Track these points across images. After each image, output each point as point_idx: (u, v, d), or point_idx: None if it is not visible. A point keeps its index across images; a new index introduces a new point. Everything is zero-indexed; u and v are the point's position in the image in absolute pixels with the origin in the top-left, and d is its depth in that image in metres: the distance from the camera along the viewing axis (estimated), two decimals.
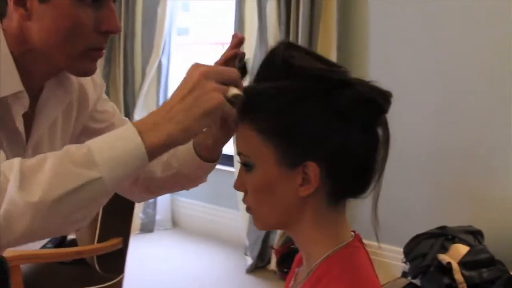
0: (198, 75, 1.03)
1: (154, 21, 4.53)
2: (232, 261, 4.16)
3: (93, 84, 1.45)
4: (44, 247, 2.80)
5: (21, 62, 1.22)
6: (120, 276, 2.78)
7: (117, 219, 2.72)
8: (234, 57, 1.30)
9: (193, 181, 1.47)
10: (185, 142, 1.06)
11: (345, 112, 1.04)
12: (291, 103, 1.05)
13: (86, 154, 1.00)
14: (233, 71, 1.07)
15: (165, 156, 1.42)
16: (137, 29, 4.66)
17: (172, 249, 4.33)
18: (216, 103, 1.02)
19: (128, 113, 4.73)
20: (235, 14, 4.05)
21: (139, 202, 1.65)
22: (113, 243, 2.69)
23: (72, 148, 1.02)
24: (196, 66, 1.06)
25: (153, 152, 1.03)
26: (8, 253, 2.45)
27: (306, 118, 1.04)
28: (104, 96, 1.51)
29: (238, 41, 1.32)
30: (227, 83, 1.05)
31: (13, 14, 1.20)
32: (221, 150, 1.39)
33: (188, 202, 4.76)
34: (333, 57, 3.59)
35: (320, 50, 3.66)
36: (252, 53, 3.92)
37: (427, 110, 3.54)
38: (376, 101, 1.06)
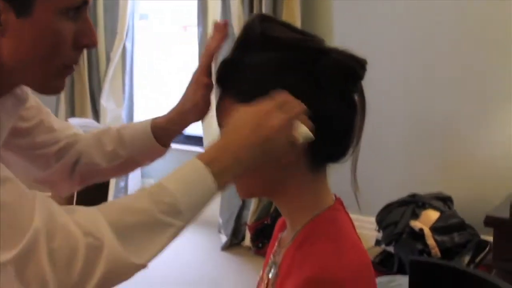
0: (269, 131, 1.02)
1: (117, 6, 4.50)
2: (207, 239, 4.17)
3: None
4: None
5: None
6: None
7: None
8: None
9: (138, 166, 1.46)
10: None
11: (322, 80, 1.07)
12: (269, 73, 1.07)
13: (171, 204, 0.99)
14: (301, 108, 1.05)
15: (110, 146, 1.40)
16: (99, 15, 4.62)
17: None
18: (282, 154, 1.05)
19: (94, 99, 4.69)
20: (198, 4, 4.08)
21: (65, 195, 1.55)
22: None
23: (155, 192, 1.00)
24: (269, 110, 1.03)
25: (221, 190, 1.05)
26: None
27: (285, 87, 1.06)
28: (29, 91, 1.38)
29: (223, 32, 1.28)
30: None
31: None
32: (175, 137, 1.40)
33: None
34: None
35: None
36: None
37: (398, 78, 3.59)
38: (352, 68, 1.09)
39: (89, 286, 0.93)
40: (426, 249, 2.90)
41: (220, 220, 4.12)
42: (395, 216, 3.05)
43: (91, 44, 1.14)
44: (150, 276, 3.59)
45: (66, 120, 3.39)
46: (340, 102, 1.09)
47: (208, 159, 1.02)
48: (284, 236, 1.21)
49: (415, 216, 3.00)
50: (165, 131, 1.37)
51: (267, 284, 1.17)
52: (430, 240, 2.89)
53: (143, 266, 0.98)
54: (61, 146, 1.40)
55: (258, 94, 1.06)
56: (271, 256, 1.22)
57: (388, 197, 3.24)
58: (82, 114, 4.71)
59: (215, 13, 3.99)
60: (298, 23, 3.63)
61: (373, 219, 3.25)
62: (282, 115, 1.03)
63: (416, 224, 2.96)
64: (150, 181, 4.81)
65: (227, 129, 1.06)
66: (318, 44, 1.10)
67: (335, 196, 1.18)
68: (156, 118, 1.39)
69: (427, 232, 2.91)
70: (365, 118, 1.16)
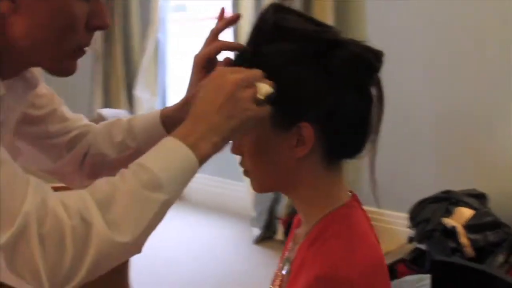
0: (230, 85, 1.02)
1: None
2: (239, 232, 4.17)
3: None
4: None
5: None
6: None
7: None
8: (232, 50, 1.24)
9: None
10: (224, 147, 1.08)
11: (338, 72, 1.04)
12: (283, 65, 1.05)
13: (151, 178, 0.99)
14: (258, 72, 1.05)
15: (119, 137, 1.40)
16: (133, 5, 4.65)
17: (179, 222, 4.33)
18: (253, 113, 1.03)
19: (129, 89, 4.72)
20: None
21: (78, 188, 1.57)
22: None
23: (136, 171, 1.00)
24: (222, 73, 1.06)
25: (202, 163, 1.04)
26: None
27: (299, 80, 1.04)
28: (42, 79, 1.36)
29: (232, 19, 1.27)
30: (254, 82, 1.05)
31: None
32: None
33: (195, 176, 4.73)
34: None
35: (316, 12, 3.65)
36: (248, 24, 3.91)
37: (430, 73, 3.51)
38: (368, 60, 1.06)
39: (81, 272, 0.93)
40: (458, 248, 2.83)
41: (254, 213, 4.11)
42: (428, 213, 2.99)
43: (103, 26, 1.13)
44: (182, 268, 3.64)
45: (98, 112, 3.42)
46: (355, 95, 1.06)
47: (180, 135, 1.04)
48: (298, 233, 1.19)
49: (448, 213, 2.94)
50: (174, 120, 1.33)
51: (281, 280, 1.15)
52: (463, 239, 2.82)
53: (129, 245, 0.97)
54: (73, 136, 1.40)
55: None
56: (286, 252, 1.20)
57: (421, 193, 3.19)
58: (117, 105, 4.75)
59: (247, 10, 3.96)
60: (330, 19, 3.58)
61: (405, 215, 3.19)
62: (238, 73, 1.04)
63: (448, 222, 2.89)
64: None
65: (193, 104, 1.07)
66: (333, 35, 1.07)
67: (351, 192, 1.15)
68: (165, 108, 1.39)
69: (460, 230, 2.85)
70: (383, 112, 1.12)
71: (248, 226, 4.16)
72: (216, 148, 1.04)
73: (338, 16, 3.61)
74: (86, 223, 0.93)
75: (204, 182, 4.61)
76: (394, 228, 3.57)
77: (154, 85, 4.65)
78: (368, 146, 1.12)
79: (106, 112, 3.60)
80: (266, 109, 1.04)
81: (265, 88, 1.03)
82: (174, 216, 4.47)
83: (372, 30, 3.55)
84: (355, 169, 3.67)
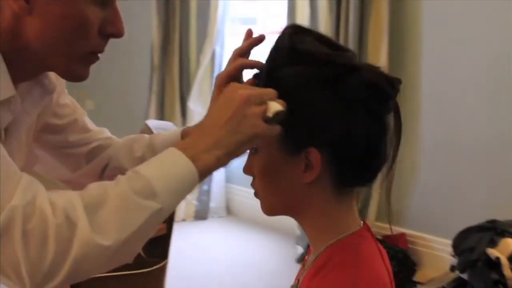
0: (239, 100, 1.01)
1: (208, 10, 4.55)
2: (284, 250, 4.15)
3: (54, 76, 1.28)
4: None
5: (9, 59, 1.07)
6: (164, 262, 2.79)
7: None
8: (252, 67, 1.22)
9: None
10: (228, 163, 1.06)
11: (349, 98, 1.02)
12: (294, 88, 1.04)
13: (145, 186, 0.98)
14: (271, 91, 1.04)
15: (139, 152, 1.40)
16: (192, 18, 4.69)
17: (225, 237, 4.35)
18: (260, 130, 1.02)
19: (184, 101, 4.76)
20: (287, 4, 4.03)
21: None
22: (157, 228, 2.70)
23: (131, 177, 1.00)
24: (234, 88, 1.05)
25: (203, 176, 1.03)
26: None
27: (308, 104, 1.02)
28: (65, 90, 1.40)
29: (256, 41, 1.24)
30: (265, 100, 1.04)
31: (8, 5, 1.05)
32: None
33: (242, 190, 4.76)
34: (384, 44, 3.55)
35: (371, 38, 3.62)
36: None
37: (480, 99, 3.43)
38: (381, 87, 1.03)
39: (62, 271, 0.92)
40: (502, 280, 2.74)
41: (298, 232, 4.08)
42: (472, 242, 2.91)
43: (117, 33, 1.13)
44: (223, 282, 3.64)
45: (145, 123, 3.44)
46: (366, 122, 1.03)
47: (182, 146, 1.03)
48: (308, 259, 1.16)
49: (493, 243, 2.85)
50: None
51: None
52: (507, 271, 2.73)
53: (112, 249, 0.94)
54: (93, 148, 1.41)
55: None
56: (296, 279, 1.18)
57: (467, 220, 3.11)
58: (171, 116, 4.79)
59: (303, 17, 3.94)
60: (385, 26, 3.56)
61: (449, 242, 3.12)
62: (249, 89, 1.04)
63: (493, 252, 2.80)
64: (235, 187, 4.83)
65: (202, 118, 1.07)
66: (348, 60, 1.05)
67: (363, 222, 1.12)
68: (187, 127, 1.38)
69: (504, 261, 2.75)
70: (400, 140, 1.09)
71: (293, 244, 4.14)
72: (220, 162, 1.02)
73: (393, 17, 3.58)
74: (70, 223, 0.93)
75: (251, 197, 4.61)
76: (439, 255, 3.49)
77: (207, 98, 4.68)
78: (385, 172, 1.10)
79: (153, 123, 3.64)
80: (275, 128, 1.02)
81: (275, 107, 1.02)
82: (219, 230, 4.53)
83: (427, 31, 3.51)
84: (401, 195, 3.65)
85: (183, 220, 4.58)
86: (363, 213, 3.78)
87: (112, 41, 1.16)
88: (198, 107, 4.67)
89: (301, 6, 3.96)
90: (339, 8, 3.67)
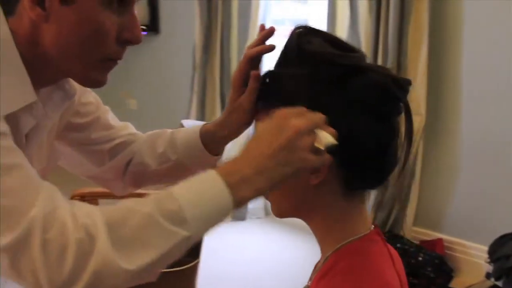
0: (292, 132, 0.96)
1: (249, 10, 4.55)
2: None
3: None
4: None
5: (30, 65, 1.08)
6: (196, 261, 2.81)
7: None
8: (260, 54, 1.21)
9: (188, 174, 1.36)
10: (267, 194, 1.02)
11: (355, 99, 1.00)
12: (302, 89, 1.03)
13: (176, 212, 0.93)
14: (321, 119, 0.99)
15: (161, 148, 1.39)
16: (233, 19, 4.70)
17: (263, 238, 4.34)
18: (309, 164, 0.98)
19: (224, 101, 4.77)
20: (328, 3, 4.01)
21: (120, 195, 1.51)
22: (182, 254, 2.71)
23: (162, 198, 0.95)
24: (285, 115, 0.99)
25: (239, 206, 0.99)
26: None
27: (315, 105, 1.00)
28: (88, 88, 1.39)
29: (267, 34, 1.23)
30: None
31: (26, 13, 1.05)
32: (226, 144, 1.35)
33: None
34: (424, 45, 3.51)
35: (411, 40, 3.58)
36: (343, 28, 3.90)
37: None
38: (387, 89, 1.01)
39: (80, 283, 0.90)
40: None
41: None
42: (508, 249, 2.86)
43: (134, 40, 1.11)
44: (257, 284, 3.63)
45: (181, 122, 3.47)
46: (372, 124, 1.01)
47: (224, 171, 0.97)
48: (318, 262, 1.15)
49: None
50: (213, 136, 1.33)
51: None
52: None
53: (132, 273, 0.92)
54: (116, 144, 1.42)
55: None
56: (310, 280, 1.17)
57: (505, 227, 3.05)
58: (212, 116, 4.81)
59: (343, 21, 3.91)
60: (425, 27, 3.51)
61: (485, 248, 3.06)
62: (302, 119, 0.97)
63: None
64: None
65: (248, 141, 1.01)
66: (354, 61, 1.03)
67: (374, 225, 1.10)
68: (206, 123, 1.37)
69: None
70: (411, 143, 1.07)
71: None
72: (259, 193, 0.98)
73: (433, 17, 3.53)
74: (90, 238, 0.90)
75: None
76: (477, 262, 3.43)
77: None
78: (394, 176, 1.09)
79: (188, 123, 3.66)
80: (325, 159, 0.98)
81: (326, 139, 0.97)
82: (257, 231, 4.51)
83: (468, 32, 3.46)
84: (439, 200, 3.60)
85: None
86: (400, 217, 3.74)
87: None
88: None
89: (341, 7, 3.94)
90: (379, 8, 3.63)
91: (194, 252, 2.80)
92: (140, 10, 6.07)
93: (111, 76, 1.14)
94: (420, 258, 3.38)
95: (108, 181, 1.46)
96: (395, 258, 1.10)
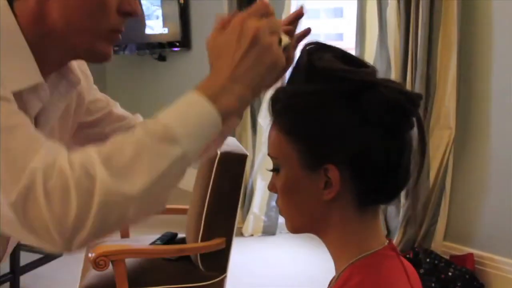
0: (254, 30, 0.99)
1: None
2: None
3: (83, 76, 1.36)
4: (153, 243, 2.90)
5: (35, 48, 1.13)
6: (223, 276, 2.82)
7: (220, 220, 2.77)
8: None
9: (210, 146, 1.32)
10: (252, 101, 1.04)
11: (366, 115, 1.01)
12: (312, 105, 1.04)
13: (164, 131, 0.96)
14: (278, 21, 1.05)
15: None
16: None
17: (292, 253, 4.34)
18: (278, 57, 1.02)
19: (254, 117, 4.79)
20: (356, 17, 4.01)
21: None
22: (216, 242, 2.74)
23: (147, 124, 0.98)
24: (243, 18, 1.02)
25: (226, 116, 1.00)
26: (113, 247, 2.58)
27: (326, 121, 1.02)
28: (94, 86, 1.46)
29: (297, 15, 1.22)
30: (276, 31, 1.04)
31: None
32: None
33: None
34: (453, 59, 3.49)
35: (440, 53, 3.57)
36: (372, 56, 3.89)
37: None
38: (399, 104, 1.01)
39: (87, 223, 0.92)
40: None
41: None
42: None
43: (133, 12, 1.17)
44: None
45: None
46: (385, 139, 1.02)
47: (201, 88, 1.00)
48: (332, 278, 1.16)
49: None
50: None
51: None
52: None
53: (138, 196, 0.94)
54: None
55: (299, 126, 1.04)
56: None
57: None
58: (243, 132, 4.81)
59: (372, 33, 3.91)
60: (455, 41, 3.50)
61: None
62: (259, 20, 1.01)
63: None
64: None
65: (213, 55, 1.04)
66: (365, 76, 1.04)
67: (388, 240, 1.11)
68: None
69: None
70: (424, 157, 1.08)
71: None
72: (242, 100, 1.02)
73: (462, 32, 3.51)
74: (88, 175, 0.93)
75: None
76: (508, 277, 3.39)
77: None
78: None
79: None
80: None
81: (285, 39, 1.04)
82: (287, 246, 4.49)
83: (497, 47, 3.43)
84: (469, 214, 3.55)
85: (251, 235, 4.60)
86: (429, 232, 3.71)
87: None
88: (267, 122, 4.66)
89: (370, 20, 3.93)
90: (408, 22, 3.62)
91: (220, 267, 2.82)
92: (172, 27, 6.11)
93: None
94: (450, 273, 3.35)
95: None
96: (410, 273, 1.10)
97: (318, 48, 1.09)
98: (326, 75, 1.03)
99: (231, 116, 1.03)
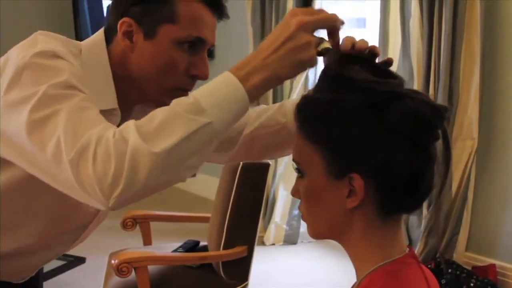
0: (295, 26, 1.12)
1: None
2: None
3: None
4: (175, 251, 2.92)
5: (118, 83, 1.37)
6: (244, 284, 2.83)
7: (242, 228, 2.78)
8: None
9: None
10: (277, 85, 1.22)
11: (392, 126, 1.02)
12: (338, 115, 1.05)
13: (193, 103, 1.11)
14: (330, 19, 1.15)
15: (270, 112, 1.52)
16: None
17: (314, 262, 4.33)
18: (308, 57, 1.13)
19: None
20: (379, 27, 4.01)
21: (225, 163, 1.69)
22: (238, 250, 2.75)
23: (178, 100, 1.13)
24: (293, 13, 1.14)
25: (252, 94, 1.14)
26: (136, 254, 2.60)
27: (352, 131, 1.03)
28: None
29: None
30: (323, 29, 1.15)
31: (118, 43, 1.36)
32: None
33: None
34: (476, 70, 3.48)
35: (463, 63, 3.55)
36: (395, 67, 3.87)
37: None
38: (425, 116, 1.02)
39: (121, 181, 1.07)
40: None
41: None
42: None
43: (201, 76, 1.36)
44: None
45: None
46: (410, 151, 1.03)
47: (235, 68, 1.15)
48: (353, 285, 1.17)
49: None
50: None
51: None
52: None
53: (162, 155, 1.07)
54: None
55: (326, 135, 1.06)
56: None
57: None
58: None
59: (395, 43, 3.92)
60: (478, 52, 3.49)
61: None
62: (308, 16, 1.13)
63: None
64: None
65: (262, 42, 1.17)
66: (391, 87, 1.05)
67: (409, 248, 1.12)
68: None
69: None
70: (448, 169, 1.09)
71: None
72: (267, 82, 1.14)
73: (485, 43, 3.50)
74: (124, 139, 1.09)
75: None
76: None
77: None
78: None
79: None
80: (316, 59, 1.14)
81: (326, 44, 1.12)
82: (308, 255, 4.48)
83: None
84: (491, 224, 3.53)
85: (273, 244, 4.60)
86: (451, 243, 3.69)
87: (210, 67, 1.38)
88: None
89: (393, 31, 3.93)
90: (431, 33, 3.61)
91: (242, 275, 2.83)
92: None
93: None
94: (472, 284, 3.33)
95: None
96: (430, 281, 1.11)
97: (347, 58, 1.10)
98: (354, 85, 1.04)
99: (259, 94, 1.16)
